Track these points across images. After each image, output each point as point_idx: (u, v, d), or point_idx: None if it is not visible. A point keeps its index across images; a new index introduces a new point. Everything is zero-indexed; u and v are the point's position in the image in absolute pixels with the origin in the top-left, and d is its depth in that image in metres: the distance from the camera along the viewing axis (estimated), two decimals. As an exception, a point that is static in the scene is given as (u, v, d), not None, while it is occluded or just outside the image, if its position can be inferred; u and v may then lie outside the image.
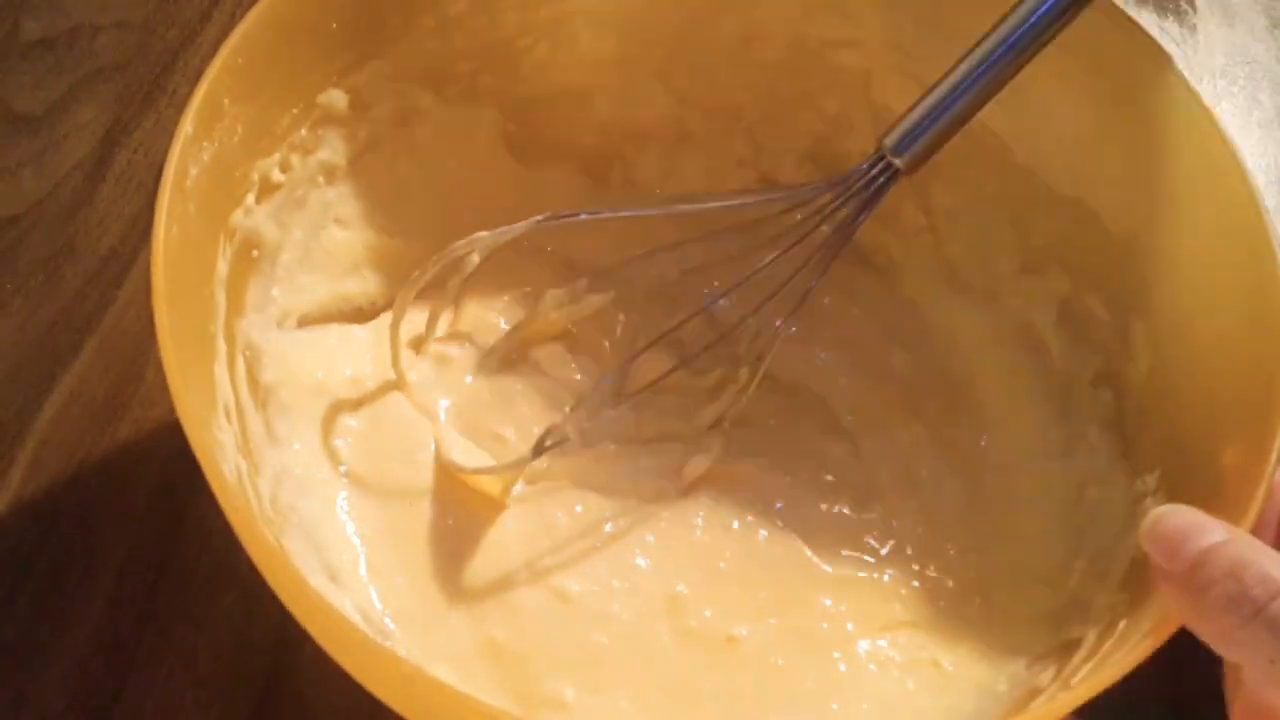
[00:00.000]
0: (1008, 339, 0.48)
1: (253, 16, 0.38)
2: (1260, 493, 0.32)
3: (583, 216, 0.45)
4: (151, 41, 0.58)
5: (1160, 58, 0.40)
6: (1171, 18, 0.66)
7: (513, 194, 0.49)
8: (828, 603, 0.42)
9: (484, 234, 0.43)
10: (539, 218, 0.42)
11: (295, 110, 0.41)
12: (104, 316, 0.48)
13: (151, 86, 0.56)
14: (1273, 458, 0.32)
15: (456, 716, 0.30)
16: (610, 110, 0.50)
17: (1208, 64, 0.65)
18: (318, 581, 0.37)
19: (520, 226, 0.42)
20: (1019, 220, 0.47)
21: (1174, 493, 0.37)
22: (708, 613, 0.41)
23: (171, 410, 0.46)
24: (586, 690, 0.38)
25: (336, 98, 0.43)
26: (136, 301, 0.49)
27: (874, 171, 0.42)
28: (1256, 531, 0.31)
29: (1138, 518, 0.38)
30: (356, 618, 0.36)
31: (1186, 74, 0.40)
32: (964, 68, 0.39)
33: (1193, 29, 0.66)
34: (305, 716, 0.40)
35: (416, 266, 0.46)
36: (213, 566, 0.42)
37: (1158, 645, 0.31)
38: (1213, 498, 0.34)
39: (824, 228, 0.44)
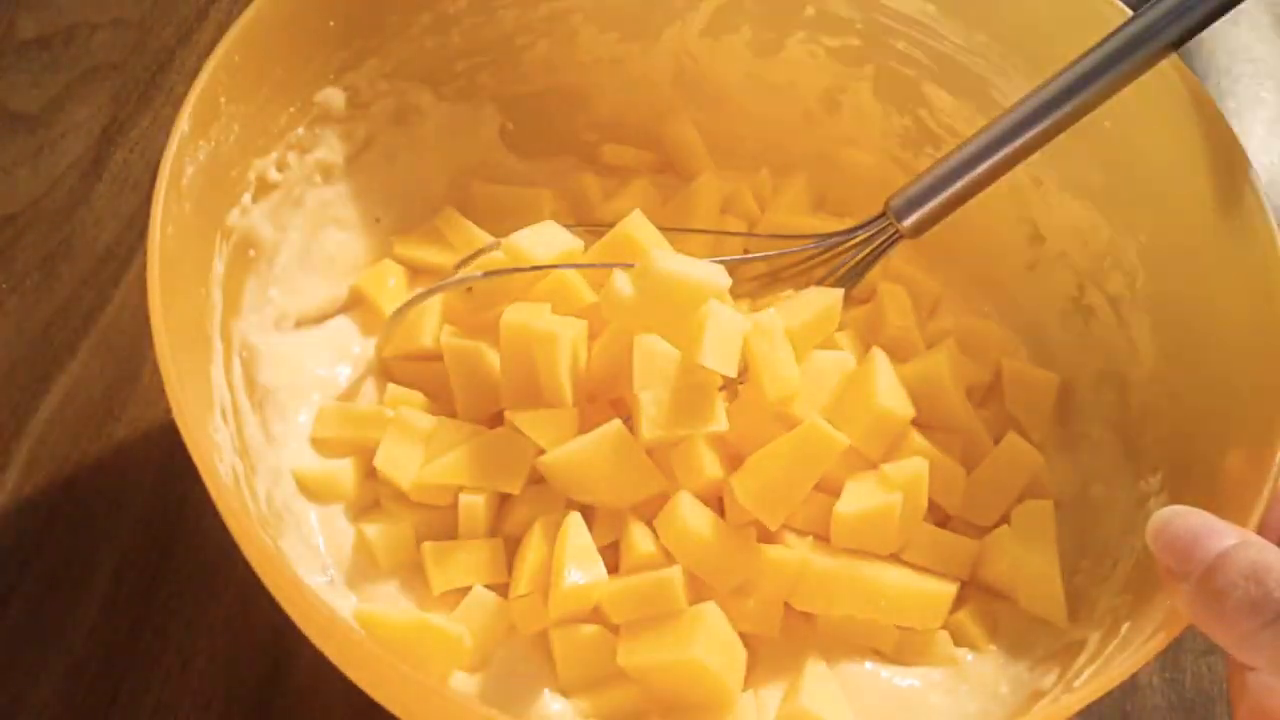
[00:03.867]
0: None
1: (249, 14, 0.38)
2: (1265, 492, 0.32)
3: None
4: (148, 40, 0.57)
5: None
6: (1173, 15, 0.66)
7: (512, 191, 0.49)
8: None
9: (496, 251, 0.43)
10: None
11: (292, 109, 0.41)
12: (100, 316, 0.48)
13: (148, 85, 0.56)
14: (1277, 458, 0.32)
15: (450, 718, 0.30)
16: (610, 109, 0.50)
17: (1212, 62, 0.65)
18: (314, 583, 0.37)
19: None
20: (1024, 220, 0.47)
21: (1178, 493, 0.37)
22: None
23: (168, 411, 0.46)
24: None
25: (334, 96, 0.43)
26: (133, 301, 0.48)
27: (876, 233, 0.41)
28: (1260, 531, 0.31)
29: (1142, 518, 0.38)
30: (352, 620, 0.36)
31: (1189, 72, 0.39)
32: (983, 140, 0.38)
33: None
34: (302, 717, 0.40)
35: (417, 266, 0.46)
36: (209, 567, 0.42)
37: (1161, 649, 0.30)
38: (1217, 498, 0.33)
39: (819, 274, 0.44)
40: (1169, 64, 0.38)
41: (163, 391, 0.45)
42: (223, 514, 0.30)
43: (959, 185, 0.39)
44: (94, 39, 0.57)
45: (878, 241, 0.41)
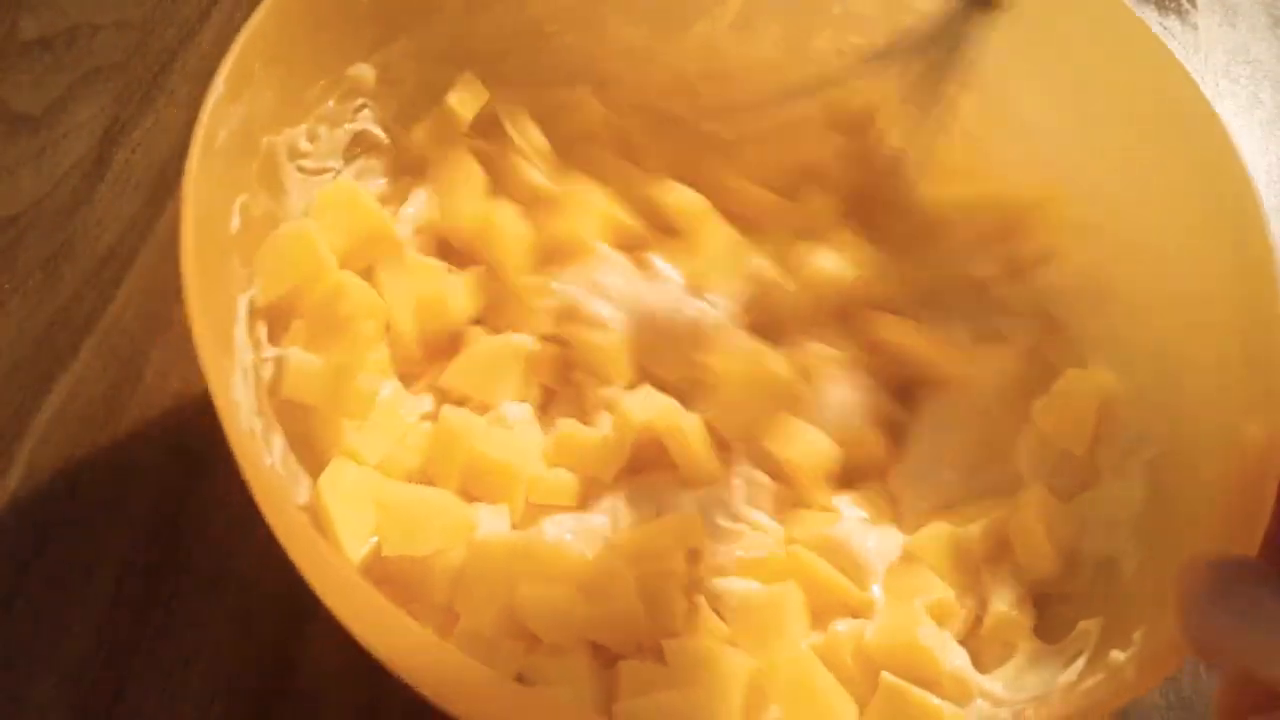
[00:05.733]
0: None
1: None
2: (1268, 505, 0.31)
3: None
4: (150, 41, 0.57)
5: (1163, 54, 0.40)
6: (1173, 16, 0.66)
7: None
8: None
9: None
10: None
11: (324, 81, 0.42)
12: (102, 316, 0.48)
13: (150, 86, 0.56)
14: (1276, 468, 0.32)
15: (470, 686, 0.29)
16: (639, 99, 0.50)
17: (1209, 63, 0.65)
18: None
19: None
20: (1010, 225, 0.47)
21: (1172, 500, 0.37)
22: None
23: (170, 410, 0.46)
24: None
25: (365, 72, 0.43)
26: (135, 301, 0.49)
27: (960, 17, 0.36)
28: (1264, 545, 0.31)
29: (1140, 525, 0.38)
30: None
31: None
32: None
33: (1194, 28, 0.66)
34: (306, 715, 0.40)
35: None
36: (212, 566, 0.42)
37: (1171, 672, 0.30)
38: (1213, 507, 0.34)
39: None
40: (1166, 63, 0.38)
41: (164, 391, 0.46)
42: (243, 470, 0.30)
43: None
44: (96, 40, 0.57)
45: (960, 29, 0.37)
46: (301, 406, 0.39)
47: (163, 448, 0.45)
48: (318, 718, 0.40)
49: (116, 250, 0.50)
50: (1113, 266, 0.43)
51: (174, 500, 0.44)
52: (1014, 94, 0.44)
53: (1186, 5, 0.66)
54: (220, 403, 0.30)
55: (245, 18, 0.37)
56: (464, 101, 0.46)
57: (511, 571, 0.37)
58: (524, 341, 0.44)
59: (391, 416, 0.41)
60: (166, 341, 0.48)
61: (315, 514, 0.38)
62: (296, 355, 0.39)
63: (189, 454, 0.45)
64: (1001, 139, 0.46)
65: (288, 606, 0.41)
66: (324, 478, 0.38)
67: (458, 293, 0.44)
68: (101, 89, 0.55)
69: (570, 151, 0.48)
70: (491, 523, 0.39)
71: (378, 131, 0.45)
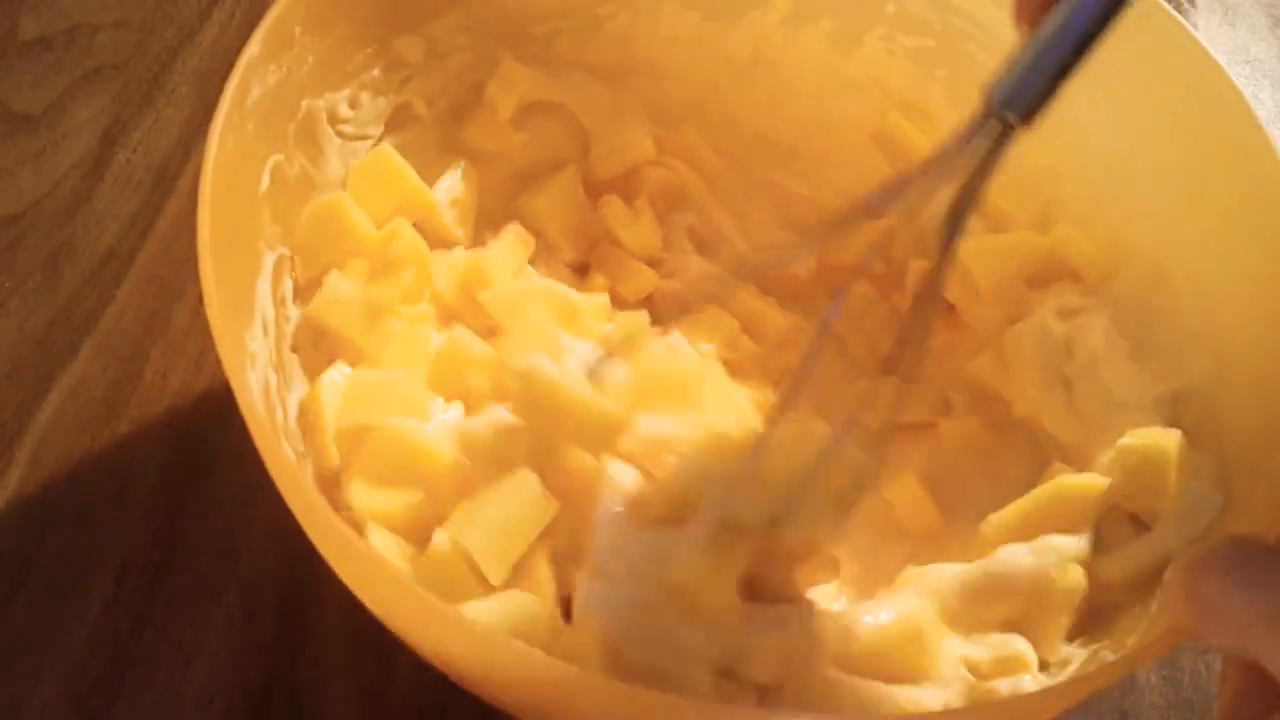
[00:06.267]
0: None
1: None
2: None
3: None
4: (150, 41, 0.58)
5: (1208, 63, 0.40)
6: (1172, 16, 0.66)
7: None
8: None
9: None
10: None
11: (369, 50, 0.42)
12: (102, 316, 0.48)
13: (150, 86, 0.56)
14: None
15: (483, 652, 0.29)
16: (687, 89, 0.50)
17: (1208, 62, 0.65)
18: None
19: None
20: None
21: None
22: None
23: (170, 409, 0.46)
24: None
25: (412, 44, 0.44)
26: (135, 301, 0.49)
27: (985, 133, 0.34)
28: None
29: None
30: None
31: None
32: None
33: (1194, 27, 0.66)
34: (304, 716, 0.40)
35: (486, 210, 0.47)
36: (211, 566, 0.42)
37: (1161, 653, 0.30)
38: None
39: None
40: (1208, 66, 0.38)
41: (164, 390, 0.46)
42: (244, 415, 0.31)
43: (1067, 50, 0.32)
44: (96, 40, 0.57)
45: (992, 144, 0.34)
46: (325, 334, 0.40)
47: (163, 447, 0.45)
48: (318, 717, 0.40)
49: (116, 250, 0.50)
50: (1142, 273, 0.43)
51: (174, 499, 0.44)
52: (1065, 106, 0.43)
53: (1186, 5, 0.66)
54: (220, 337, 0.31)
55: (245, 18, 0.38)
56: (503, 90, 0.46)
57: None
58: (576, 297, 0.44)
59: (410, 349, 0.42)
60: (166, 341, 0.48)
61: (308, 416, 0.38)
62: (335, 278, 0.40)
63: (189, 454, 0.45)
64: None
65: (287, 606, 0.42)
66: (323, 378, 0.39)
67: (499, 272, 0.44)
68: (101, 89, 0.56)
69: (632, 186, 0.49)
70: (443, 414, 0.40)
71: (421, 105, 0.45)
